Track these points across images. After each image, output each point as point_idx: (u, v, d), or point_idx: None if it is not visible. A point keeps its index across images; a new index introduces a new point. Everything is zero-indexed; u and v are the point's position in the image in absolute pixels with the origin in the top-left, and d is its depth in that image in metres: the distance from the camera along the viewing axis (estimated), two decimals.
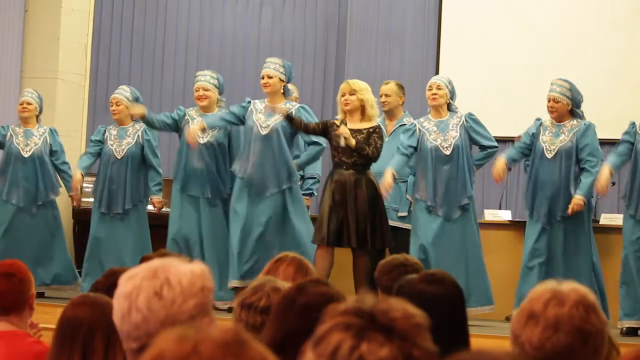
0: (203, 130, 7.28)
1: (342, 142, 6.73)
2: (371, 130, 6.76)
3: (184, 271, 2.03)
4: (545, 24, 9.74)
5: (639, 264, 6.59)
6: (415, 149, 6.99)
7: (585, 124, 6.80)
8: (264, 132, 7.11)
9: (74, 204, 8.12)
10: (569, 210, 6.68)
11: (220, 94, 7.51)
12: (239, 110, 7.27)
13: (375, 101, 6.95)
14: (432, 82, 7.07)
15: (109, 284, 3.13)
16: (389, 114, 7.59)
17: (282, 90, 7.24)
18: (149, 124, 7.47)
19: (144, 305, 2.00)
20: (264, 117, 7.14)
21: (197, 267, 2.07)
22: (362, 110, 6.81)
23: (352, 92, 6.84)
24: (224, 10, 10.69)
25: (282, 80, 7.22)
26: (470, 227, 6.89)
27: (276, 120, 7.09)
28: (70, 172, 7.78)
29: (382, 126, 7.47)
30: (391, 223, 7.27)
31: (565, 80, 6.86)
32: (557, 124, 6.85)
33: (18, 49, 9.65)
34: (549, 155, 6.78)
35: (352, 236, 6.69)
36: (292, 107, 7.19)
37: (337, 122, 6.85)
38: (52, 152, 7.82)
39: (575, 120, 6.83)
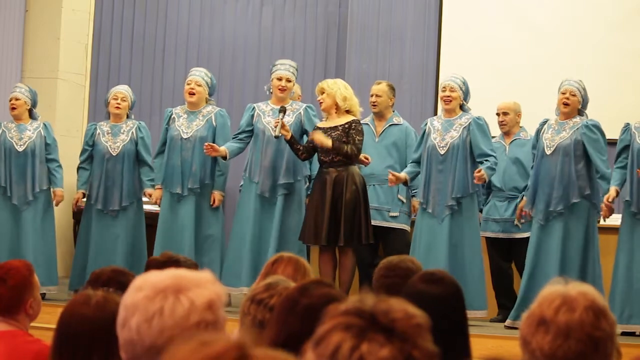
0: (224, 157, 7.19)
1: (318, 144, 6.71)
2: (346, 126, 6.73)
3: (183, 301, 1.98)
4: (545, 24, 9.73)
5: None
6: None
7: (589, 122, 6.69)
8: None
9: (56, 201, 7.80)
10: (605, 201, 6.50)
11: (209, 94, 7.46)
12: (248, 119, 7.25)
13: (352, 94, 6.86)
14: (445, 83, 6.97)
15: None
16: (379, 114, 7.55)
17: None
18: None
19: (134, 326, 1.99)
20: (274, 121, 7.06)
21: (202, 297, 1.99)
22: (337, 105, 6.80)
23: (322, 91, 6.85)
24: (224, 10, 10.68)
25: (294, 84, 7.29)
26: (463, 227, 6.76)
27: (287, 122, 7.01)
28: (59, 171, 7.61)
29: (368, 123, 7.46)
30: (383, 223, 7.27)
31: (579, 81, 6.82)
32: (561, 122, 6.77)
33: (18, 49, 9.65)
34: (548, 152, 6.71)
35: (324, 234, 6.64)
36: (299, 107, 7.17)
37: (318, 124, 6.89)
38: (46, 146, 7.62)
39: (578, 118, 6.76)
